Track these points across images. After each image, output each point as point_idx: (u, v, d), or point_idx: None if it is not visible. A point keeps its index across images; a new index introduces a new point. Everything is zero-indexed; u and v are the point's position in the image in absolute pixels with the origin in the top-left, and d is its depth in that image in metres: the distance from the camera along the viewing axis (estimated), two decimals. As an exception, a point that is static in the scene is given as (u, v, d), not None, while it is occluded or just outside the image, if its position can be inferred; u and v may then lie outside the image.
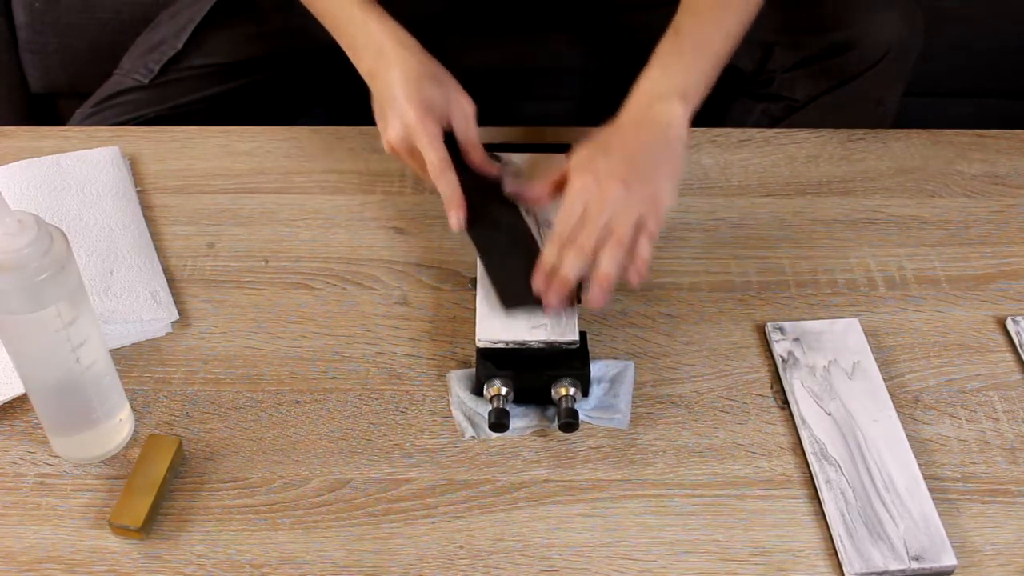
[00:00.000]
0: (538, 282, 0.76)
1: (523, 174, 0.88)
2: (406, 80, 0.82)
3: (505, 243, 0.81)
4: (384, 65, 0.84)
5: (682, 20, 0.86)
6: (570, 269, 0.74)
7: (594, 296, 0.75)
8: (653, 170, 0.78)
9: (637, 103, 0.82)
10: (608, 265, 0.74)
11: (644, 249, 0.75)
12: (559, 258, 0.75)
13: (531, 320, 0.76)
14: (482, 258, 0.80)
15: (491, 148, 0.91)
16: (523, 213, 0.84)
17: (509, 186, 0.84)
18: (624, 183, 0.76)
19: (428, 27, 1.06)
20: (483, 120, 0.93)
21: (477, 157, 0.84)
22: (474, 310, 0.78)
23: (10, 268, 0.60)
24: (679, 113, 0.81)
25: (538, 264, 0.76)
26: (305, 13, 0.92)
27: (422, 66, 0.84)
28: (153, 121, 1.08)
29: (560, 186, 0.79)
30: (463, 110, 0.84)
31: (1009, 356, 0.82)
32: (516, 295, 0.76)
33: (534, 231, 0.82)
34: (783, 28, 1.11)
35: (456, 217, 0.80)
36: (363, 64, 0.87)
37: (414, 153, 0.82)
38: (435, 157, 0.80)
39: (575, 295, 0.77)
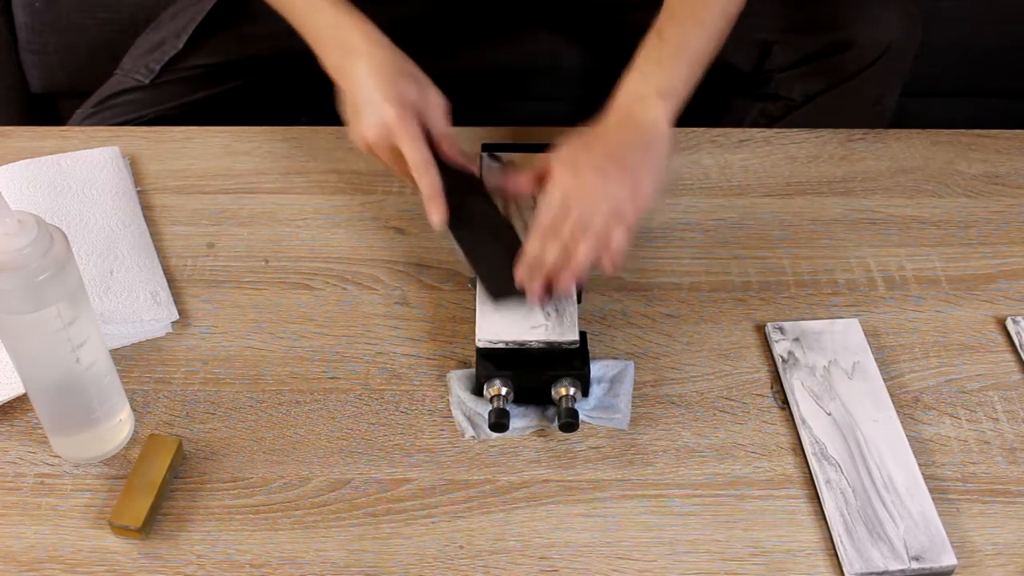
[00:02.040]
0: (521, 273, 0.77)
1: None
2: (381, 77, 0.82)
3: (488, 237, 0.82)
4: (354, 62, 0.83)
5: (664, 22, 0.86)
6: (550, 259, 0.76)
7: (563, 280, 0.76)
8: (633, 164, 0.79)
9: (618, 104, 0.83)
10: (581, 253, 0.76)
11: (618, 238, 0.76)
12: (542, 250, 0.76)
13: (528, 318, 0.76)
14: (466, 254, 0.81)
15: (490, 148, 0.91)
16: (504, 208, 0.85)
17: (491, 178, 0.85)
18: (603, 175, 0.77)
19: (426, 27, 1.06)
20: (481, 120, 0.93)
21: (453, 153, 0.84)
22: (474, 310, 0.78)
23: (10, 268, 0.60)
24: (660, 113, 0.82)
25: (521, 256, 0.77)
26: None
27: (395, 63, 0.83)
28: (153, 121, 1.08)
29: (541, 179, 0.80)
30: (438, 106, 0.84)
31: (1009, 356, 0.82)
32: (503, 288, 0.77)
33: (517, 226, 0.82)
34: (781, 27, 1.11)
35: (438, 215, 0.80)
36: (330, 60, 0.86)
37: (392, 151, 0.82)
38: (417, 156, 0.80)
39: (577, 291, 0.78)
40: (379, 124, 0.81)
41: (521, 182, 0.82)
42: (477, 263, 0.80)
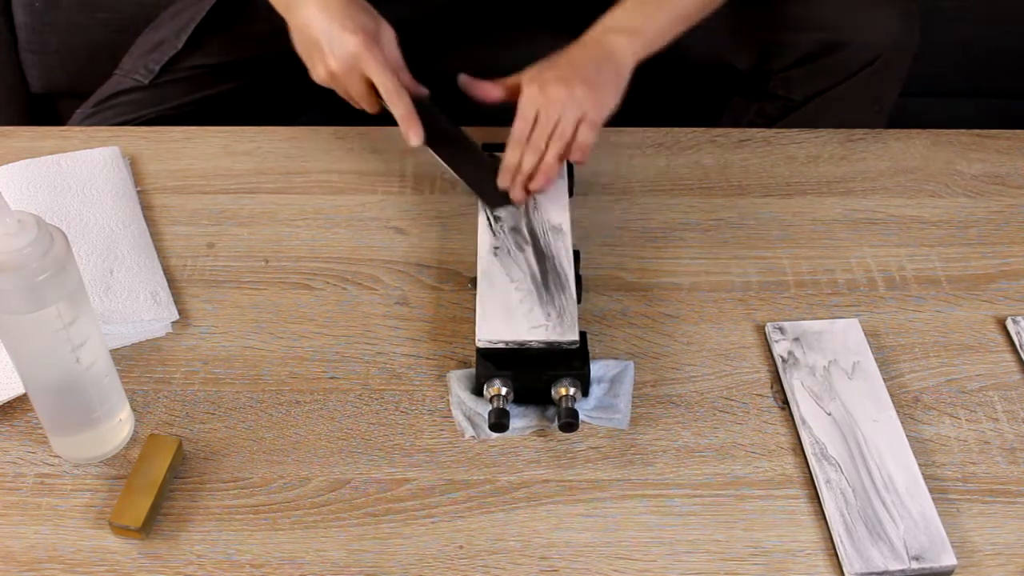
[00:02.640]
0: (505, 181, 0.86)
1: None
2: (336, 9, 0.85)
3: (462, 152, 0.91)
4: None
5: None
6: (528, 164, 0.85)
7: (537, 180, 0.85)
8: (595, 76, 0.86)
9: (590, 34, 0.89)
10: (551, 154, 0.84)
11: (583, 134, 0.84)
12: (519, 158, 0.85)
13: (528, 318, 0.76)
14: (453, 167, 0.89)
15: (491, 148, 0.91)
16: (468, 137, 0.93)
17: (464, 80, 0.90)
18: (566, 85, 0.84)
19: (427, 28, 1.06)
20: (482, 120, 0.93)
21: (407, 80, 0.89)
22: (474, 310, 0.78)
23: (10, 268, 0.60)
24: (624, 44, 0.88)
25: (502, 167, 0.86)
26: None
27: None
28: (153, 121, 1.07)
29: (511, 90, 0.87)
30: (390, 37, 0.88)
31: (1009, 356, 0.82)
32: (495, 196, 0.87)
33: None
34: (780, 27, 1.11)
35: (415, 133, 0.85)
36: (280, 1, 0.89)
37: (360, 79, 0.86)
38: (389, 81, 0.85)
39: (577, 292, 0.78)
40: (344, 54, 0.84)
41: (491, 90, 0.89)
42: (465, 175, 0.89)
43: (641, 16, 0.90)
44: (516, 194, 0.86)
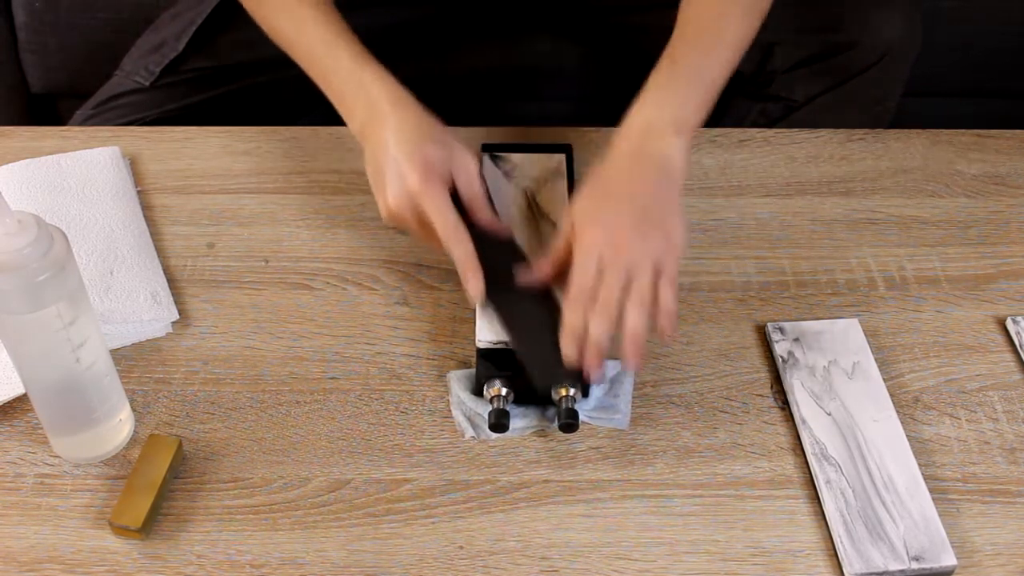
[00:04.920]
0: (568, 349, 0.71)
1: (518, 172, 0.88)
2: (404, 139, 0.76)
3: (528, 311, 0.75)
4: (379, 124, 0.78)
5: (677, 47, 0.82)
6: (599, 332, 0.70)
7: (630, 358, 0.70)
8: (660, 210, 0.75)
9: (632, 136, 0.78)
10: (635, 322, 0.70)
11: (668, 297, 0.71)
12: (584, 321, 0.71)
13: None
14: (509, 333, 0.74)
15: (490, 148, 0.91)
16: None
17: (521, 277, 0.77)
18: (635, 229, 0.72)
19: (428, 29, 1.06)
20: (482, 120, 0.93)
21: (484, 217, 0.78)
22: (474, 310, 0.78)
23: (10, 268, 0.60)
24: (675, 149, 0.77)
25: (563, 330, 0.71)
26: None
27: (421, 123, 0.78)
28: (154, 123, 1.07)
29: (566, 252, 0.74)
30: (467, 168, 0.78)
31: (1009, 356, 0.82)
32: (552, 371, 0.72)
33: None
34: (783, 29, 1.11)
35: (475, 287, 0.74)
36: (355, 122, 0.82)
37: (418, 218, 0.76)
38: (446, 222, 0.75)
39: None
40: (401, 190, 0.75)
41: (546, 267, 0.76)
42: (521, 346, 0.73)
43: (677, 104, 0.79)
44: (591, 369, 0.70)
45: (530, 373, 0.72)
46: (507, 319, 0.74)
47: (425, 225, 0.76)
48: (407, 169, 0.75)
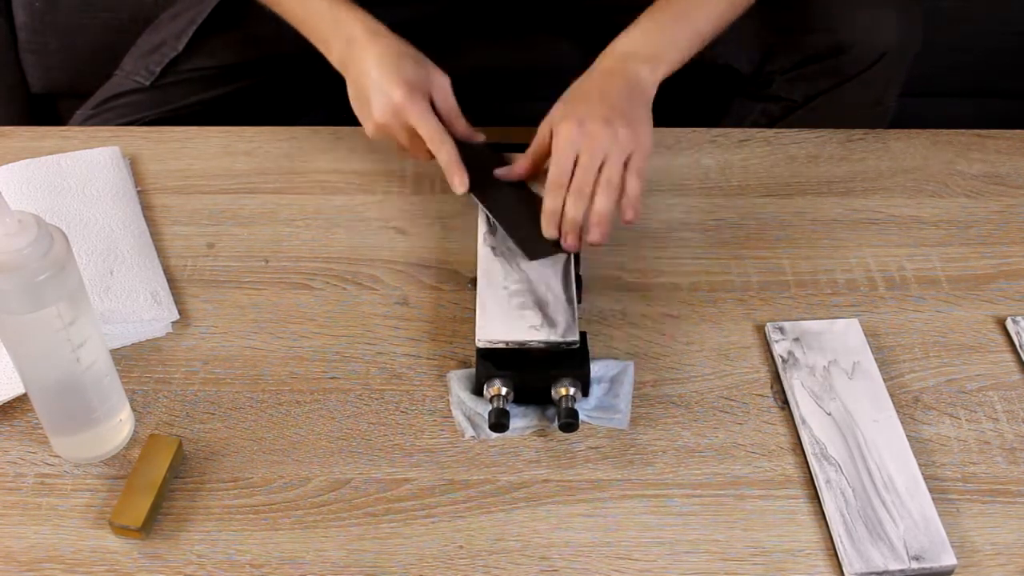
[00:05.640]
0: (549, 229, 0.80)
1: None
2: (384, 62, 0.84)
3: (509, 200, 0.85)
4: (358, 52, 0.86)
5: None
6: (575, 211, 0.79)
7: (594, 234, 0.79)
8: (630, 112, 0.82)
9: (611, 60, 0.86)
10: (602, 203, 0.79)
11: (633, 185, 0.80)
12: (562, 203, 0.80)
13: (528, 318, 0.76)
14: (495, 216, 0.84)
15: (498, 148, 0.91)
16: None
17: (501, 173, 0.87)
18: (607, 124, 0.80)
19: (429, 28, 1.06)
20: (483, 120, 0.93)
21: (461, 127, 0.88)
22: (474, 310, 0.78)
23: (10, 268, 0.60)
24: (647, 73, 0.85)
25: (543, 213, 0.80)
26: None
27: (396, 48, 0.86)
28: (154, 123, 1.07)
29: (539, 154, 0.84)
30: (442, 86, 0.87)
31: (1009, 356, 0.82)
32: (536, 245, 0.81)
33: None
34: (782, 29, 1.11)
35: (460, 181, 0.84)
36: (334, 55, 0.89)
37: (406, 130, 0.85)
38: (431, 128, 0.84)
39: (577, 291, 0.78)
40: (388, 106, 0.84)
41: (525, 165, 0.85)
42: (506, 225, 0.83)
43: (659, 38, 0.87)
44: (568, 242, 0.80)
45: (520, 247, 0.81)
46: (491, 205, 0.85)
47: (412, 135, 0.85)
48: (391, 87, 0.83)
